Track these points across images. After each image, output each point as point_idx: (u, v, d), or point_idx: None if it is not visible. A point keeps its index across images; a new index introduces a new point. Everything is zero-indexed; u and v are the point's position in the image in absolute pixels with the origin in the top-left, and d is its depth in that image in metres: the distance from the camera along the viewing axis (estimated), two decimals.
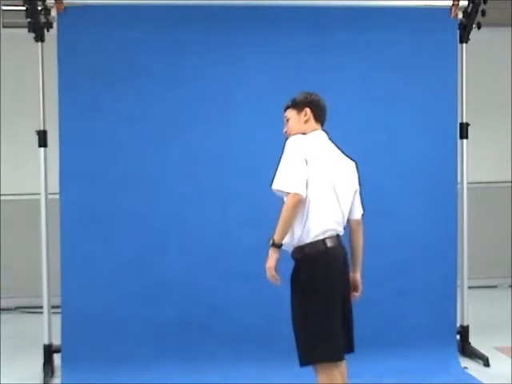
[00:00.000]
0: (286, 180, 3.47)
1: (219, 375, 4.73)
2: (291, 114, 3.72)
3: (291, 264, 3.59)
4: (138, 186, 4.93)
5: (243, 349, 4.83)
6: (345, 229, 3.66)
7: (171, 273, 4.91)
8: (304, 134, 3.63)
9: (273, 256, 3.44)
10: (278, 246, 3.45)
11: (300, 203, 3.44)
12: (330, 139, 3.72)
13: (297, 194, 3.42)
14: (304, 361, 3.55)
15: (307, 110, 3.68)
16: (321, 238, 3.51)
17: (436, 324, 5.09)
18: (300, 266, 3.53)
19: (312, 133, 3.66)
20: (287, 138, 3.66)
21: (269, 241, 3.46)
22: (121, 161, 4.93)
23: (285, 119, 3.75)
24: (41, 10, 4.83)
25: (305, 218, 3.48)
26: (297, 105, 3.71)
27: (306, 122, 3.68)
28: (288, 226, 3.45)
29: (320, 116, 3.72)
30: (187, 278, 4.92)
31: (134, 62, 4.92)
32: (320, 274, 3.50)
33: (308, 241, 3.50)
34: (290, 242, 3.52)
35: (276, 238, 3.44)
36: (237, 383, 4.64)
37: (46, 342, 4.98)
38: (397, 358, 4.81)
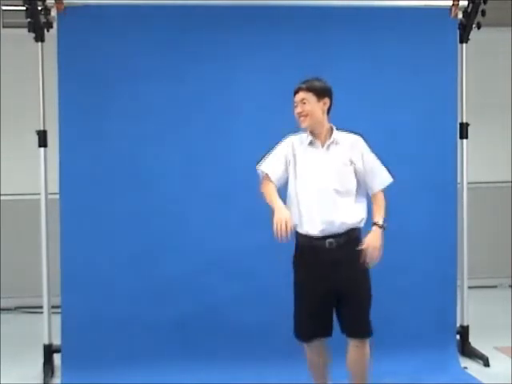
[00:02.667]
0: (387, 172, 3.91)
1: (219, 375, 4.73)
2: (309, 97, 3.71)
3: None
4: (138, 185, 4.92)
5: (243, 349, 4.83)
6: None
7: (171, 273, 4.91)
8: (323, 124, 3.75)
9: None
10: None
11: None
12: None
13: None
14: (372, 332, 3.83)
15: (327, 100, 3.74)
16: None
17: (436, 324, 5.09)
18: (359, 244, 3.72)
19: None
20: (299, 120, 3.74)
21: (382, 226, 3.73)
22: (121, 161, 4.92)
23: (298, 99, 3.73)
24: (41, 10, 4.82)
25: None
26: (316, 90, 3.72)
27: (324, 112, 3.75)
28: None
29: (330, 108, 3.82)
30: (187, 278, 4.92)
31: (134, 62, 4.92)
32: None
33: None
34: (359, 220, 3.78)
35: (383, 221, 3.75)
36: (236, 383, 4.64)
37: (46, 342, 4.98)
38: (396, 358, 4.81)
